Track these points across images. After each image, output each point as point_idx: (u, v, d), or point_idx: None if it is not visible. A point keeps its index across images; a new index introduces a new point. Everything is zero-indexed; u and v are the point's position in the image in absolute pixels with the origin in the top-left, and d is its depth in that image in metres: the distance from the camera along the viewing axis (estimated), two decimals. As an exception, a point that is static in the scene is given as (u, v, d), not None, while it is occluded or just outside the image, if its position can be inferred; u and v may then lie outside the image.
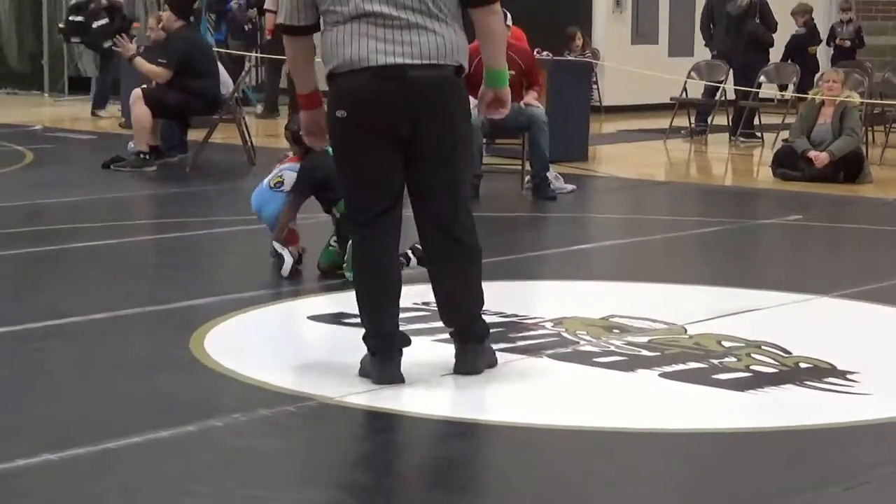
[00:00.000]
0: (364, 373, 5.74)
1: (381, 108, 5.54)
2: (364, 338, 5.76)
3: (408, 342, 5.78)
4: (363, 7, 5.52)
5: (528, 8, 17.16)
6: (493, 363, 5.94)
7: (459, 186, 5.77)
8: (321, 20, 5.66)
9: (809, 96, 13.76)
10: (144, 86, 13.02)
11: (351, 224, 5.78)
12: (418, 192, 5.71)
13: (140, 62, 13.07)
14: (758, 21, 16.46)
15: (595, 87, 18.98)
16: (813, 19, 18.14)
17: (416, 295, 6.87)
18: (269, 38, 18.26)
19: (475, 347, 5.88)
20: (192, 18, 13.68)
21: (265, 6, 18.29)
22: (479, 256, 5.86)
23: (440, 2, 5.57)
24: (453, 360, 5.87)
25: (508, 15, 11.26)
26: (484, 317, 5.97)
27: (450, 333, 5.94)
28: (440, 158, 5.63)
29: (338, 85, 5.61)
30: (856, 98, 13.34)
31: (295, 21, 5.67)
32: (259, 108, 18.79)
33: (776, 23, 17.02)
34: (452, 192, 5.72)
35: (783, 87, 16.95)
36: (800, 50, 17.75)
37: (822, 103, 13.04)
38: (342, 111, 5.58)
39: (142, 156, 12.75)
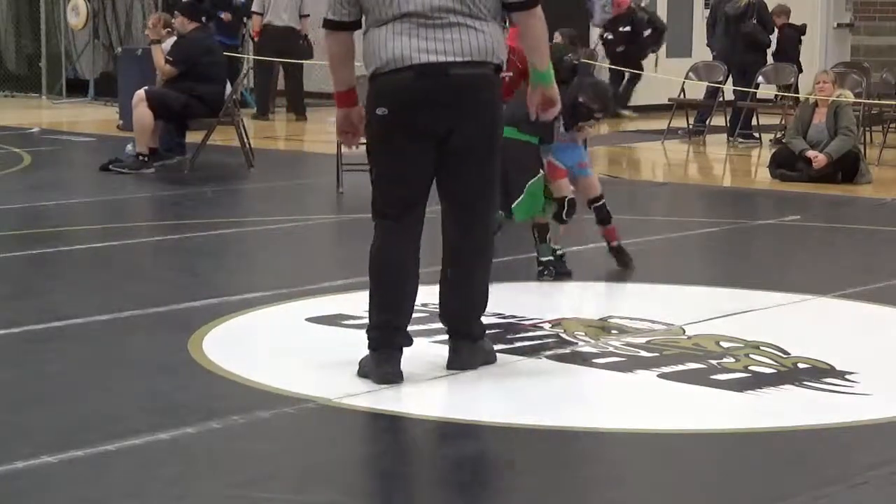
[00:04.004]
0: (363, 373, 5.75)
1: (422, 106, 5.61)
2: (367, 330, 5.77)
3: (409, 342, 5.80)
4: (405, 7, 5.59)
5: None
6: (491, 361, 5.97)
7: (492, 187, 5.84)
8: (363, 19, 5.72)
9: (803, 97, 13.76)
10: (147, 87, 13.04)
11: (376, 216, 5.83)
12: (451, 191, 5.77)
13: (157, 49, 13.15)
14: (755, 22, 16.45)
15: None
16: None
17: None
18: (255, 40, 18.26)
19: (469, 346, 5.92)
20: (204, 19, 13.66)
21: (252, 9, 18.28)
22: (491, 260, 5.95)
23: (480, 2, 5.62)
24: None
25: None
26: (482, 318, 6.00)
27: (446, 332, 5.98)
28: (476, 156, 5.70)
29: (380, 84, 5.68)
30: (848, 96, 13.32)
31: (338, 16, 5.73)
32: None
33: (774, 24, 17.03)
34: (484, 192, 5.79)
35: (786, 88, 16.91)
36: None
37: (816, 104, 13.04)
38: (383, 108, 5.65)
39: (140, 158, 12.75)
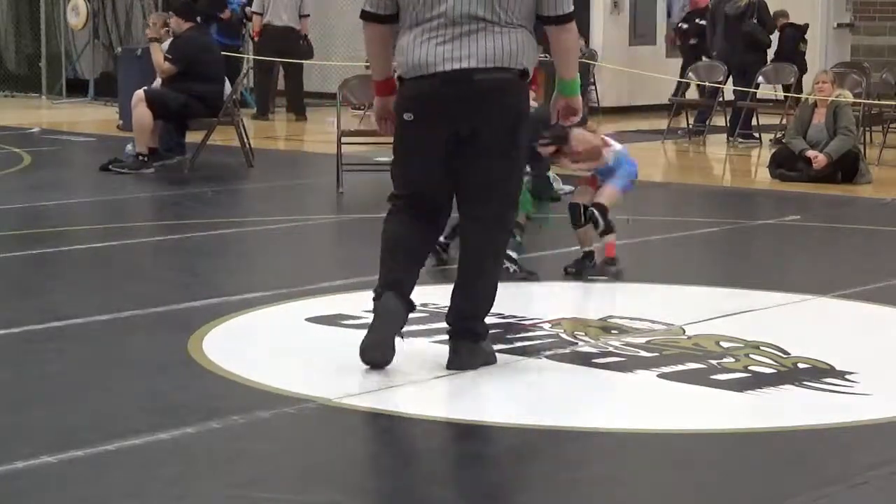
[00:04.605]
0: (366, 359, 5.78)
1: (446, 111, 5.74)
2: (374, 290, 5.88)
3: (412, 306, 5.89)
4: (435, 11, 5.69)
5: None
6: (490, 362, 5.98)
7: (509, 189, 5.92)
8: (400, 16, 5.83)
9: (803, 97, 13.76)
10: (146, 87, 13.04)
11: (389, 200, 6.00)
12: (469, 192, 5.87)
13: (155, 48, 13.16)
14: (755, 21, 16.45)
15: (593, 87, 18.97)
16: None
17: (414, 297, 6.87)
18: (255, 40, 18.26)
19: (470, 346, 5.94)
20: (199, 19, 13.65)
21: (252, 9, 18.28)
22: (502, 263, 6.10)
23: (510, 10, 5.71)
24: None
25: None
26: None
27: (447, 332, 5.98)
28: (494, 158, 5.79)
29: (407, 88, 5.81)
30: (847, 96, 13.31)
31: (373, 8, 5.86)
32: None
33: (774, 24, 17.03)
34: (501, 194, 5.87)
35: (786, 88, 16.90)
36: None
37: (816, 104, 13.04)
38: (409, 114, 5.80)
39: (140, 158, 12.75)
